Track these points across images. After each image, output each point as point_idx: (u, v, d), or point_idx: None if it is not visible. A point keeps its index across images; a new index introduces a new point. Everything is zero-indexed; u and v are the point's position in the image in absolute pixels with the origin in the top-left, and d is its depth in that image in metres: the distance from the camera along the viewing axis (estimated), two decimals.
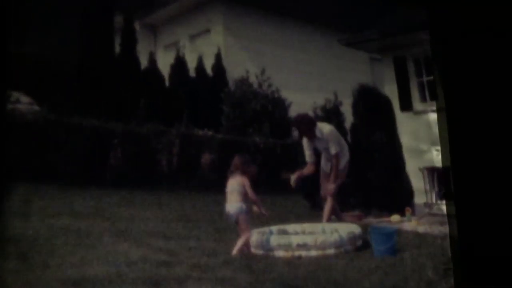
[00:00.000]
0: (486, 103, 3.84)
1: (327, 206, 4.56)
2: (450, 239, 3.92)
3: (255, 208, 3.95)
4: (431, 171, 5.19)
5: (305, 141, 4.64)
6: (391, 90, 5.93)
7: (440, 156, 4.44)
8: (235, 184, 3.93)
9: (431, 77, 5.74)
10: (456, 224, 3.88)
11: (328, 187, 4.53)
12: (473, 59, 3.91)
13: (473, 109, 3.88)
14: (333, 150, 4.56)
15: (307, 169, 4.65)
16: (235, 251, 3.84)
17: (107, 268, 3.39)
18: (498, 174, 3.76)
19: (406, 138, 5.42)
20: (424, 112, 5.63)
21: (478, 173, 3.79)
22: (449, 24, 4.03)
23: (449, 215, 3.99)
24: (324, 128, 4.64)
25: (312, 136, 4.58)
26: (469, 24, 3.94)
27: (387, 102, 5.71)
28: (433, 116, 5.32)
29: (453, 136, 3.97)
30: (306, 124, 4.63)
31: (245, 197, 3.91)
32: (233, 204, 3.88)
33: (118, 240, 3.67)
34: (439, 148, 4.24)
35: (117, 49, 5.44)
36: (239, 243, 3.86)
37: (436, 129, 4.77)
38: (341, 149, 4.62)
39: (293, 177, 4.55)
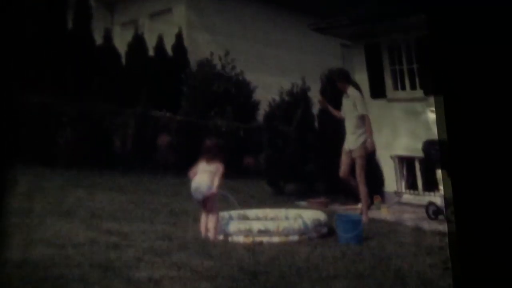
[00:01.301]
0: (482, 96, 3.91)
1: (362, 191, 4.60)
2: (449, 238, 3.96)
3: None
4: (401, 159, 5.24)
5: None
6: (361, 77, 5.96)
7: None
8: (211, 166, 3.97)
9: (403, 65, 5.84)
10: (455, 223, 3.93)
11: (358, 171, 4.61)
12: (471, 52, 3.98)
13: (470, 100, 3.95)
14: (360, 110, 4.68)
15: (339, 114, 4.83)
16: (212, 235, 3.83)
17: (51, 250, 3.31)
18: (497, 171, 3.81)
19: (378, 125, 5.44)
20: (398, 100, 5.68)
21: (477, 170, 3.84)
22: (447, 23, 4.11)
23: (447, 217, 4.04)
24: (353, 90, 4.81)
25: (343, 90, 4.79)
26: (468, 22, 4.01)
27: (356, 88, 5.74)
28: (410, 105, 5.40)
29: (450, 130, 4.04)
30: (337, 74, 4.93)
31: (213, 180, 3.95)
32: (203, 183, 3.89)
33: (64, 221, 3.58)
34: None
35: (70, 24, 5.31)
36: (211, 225, 3.86)
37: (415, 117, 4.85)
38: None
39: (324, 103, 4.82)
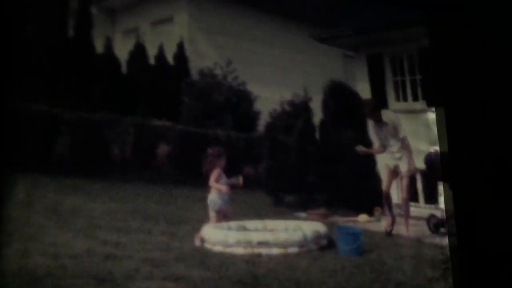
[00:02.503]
0: (484, 103, 3.93)
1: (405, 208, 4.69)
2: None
3: None
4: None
5: (371, 128, 4.86)
6: (363, 88, 5.97)
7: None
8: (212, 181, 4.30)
9: (405, 77, 5.84)
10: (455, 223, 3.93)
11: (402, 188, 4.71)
12: (472, 59, 4.01)
13: (471, 109, 3.97)
14: (403, 132, 4.71)
15: (377, 149, 4.85)
16: None
17: (47, 261, 3.31)
18: (497, 172, 3.82)
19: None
20: (400, 111, 5.68)
21: (477, 173, 3.85)
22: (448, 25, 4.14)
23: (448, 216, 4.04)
24: (389, 113, 4.88)
25: (377, 119, 4.78)
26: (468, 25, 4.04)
27: (358, 100, 5.74)
28: (413, 116, 5.41)
29: (450, 135, 4.06)
30: (369, 106, 4.97)
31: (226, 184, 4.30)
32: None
33: (61, 231, 3.58)
34: None
35: (71, 32, 5.33)
36: None
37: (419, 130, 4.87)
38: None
39: (363, 149, 4.83)
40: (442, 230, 4.49)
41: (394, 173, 4.73)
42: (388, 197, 4.71)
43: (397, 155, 4.72)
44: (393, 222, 4.62)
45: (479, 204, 3.84)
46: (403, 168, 4.70)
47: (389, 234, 4.56)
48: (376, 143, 4.83)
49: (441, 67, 4.28)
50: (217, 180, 4.30)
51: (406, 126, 4.81)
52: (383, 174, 4.85)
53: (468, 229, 3.85)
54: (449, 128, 4.11)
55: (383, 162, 4.98)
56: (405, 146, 4.70)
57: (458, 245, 3.87)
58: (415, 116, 5.05)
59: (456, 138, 4.05)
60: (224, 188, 4.27)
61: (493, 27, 4.01)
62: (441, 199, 4.69)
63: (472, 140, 3.95)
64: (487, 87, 3.97)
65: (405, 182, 4.69)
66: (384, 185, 4.76)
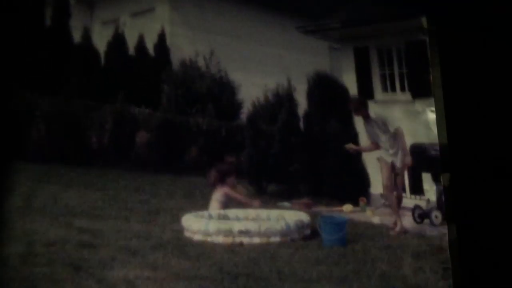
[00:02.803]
0: (483, 100, 3.94)
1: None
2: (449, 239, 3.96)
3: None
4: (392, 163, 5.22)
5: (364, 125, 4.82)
6: (349, 80, 5.96)
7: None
8: (217, 195, 4.37)
9: (394, 68, 5.84)
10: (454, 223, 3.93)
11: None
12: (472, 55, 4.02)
13: (470, 104, 3.98)
14: (393, 126, 4.67)
15: (369, 146, 4.80)
16: None
17: (21, 248, 3.25)
18: (497, 172, 3.82)
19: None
20: (386, 102, 5.68)
21: (477, 171, 3.85)
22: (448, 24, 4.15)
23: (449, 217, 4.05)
24: (376, 108, 4.89)
25: (364, 116, 4.76)
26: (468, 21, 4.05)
27: (343, 91, 5.73)
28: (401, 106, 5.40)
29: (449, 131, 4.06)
30: (356, 103, 4.97)
31: (225, 205, 4.35)
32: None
33: (34, 218, 3.51)
34: None
35: (48, 22, 5.25)
36: None
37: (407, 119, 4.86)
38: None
39: (353, 147, 4.84)
40: (426, 221, 4.50)
41: (393, 168, 4.67)
42: (391, 194, 4.61)
43: (391, 151, 4.67)
44: (397, 221, 4.51)
45: (478, 198, 3.85)
46: (398, 164, 4.65)
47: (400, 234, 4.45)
48: (368, 140, 4.80)
49: (440, 60, 4.29)
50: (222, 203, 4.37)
51: (406, 126, 4.79)
52: (382, 169, 4.76)
53: (468, 228, 3.86)
54: (448, 120, 4.12)
55: (375, 157, 4.98)
56: (398, 140, 4.65)
57: (458, 240, 3.87)
58: (415, 116, 5.02)
59: (455, 131, 4.06)
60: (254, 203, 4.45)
61: (492, 21, 4.03)
62: (426, 190, 4.72)
63: (471, 133, 3.96)
64: (486, 80, 3.99)
65: (399, 179, 4.66)
66: (385, 182, 4.67)
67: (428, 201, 4.60)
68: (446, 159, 4.10)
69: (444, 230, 4.12)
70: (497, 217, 3.76)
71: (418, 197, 4.76)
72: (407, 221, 4.47)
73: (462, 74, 4.07)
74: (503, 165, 3.86)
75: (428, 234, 4.25)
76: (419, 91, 5.19)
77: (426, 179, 4.74)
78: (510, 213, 3.76)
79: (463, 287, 3.73)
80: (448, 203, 4.08)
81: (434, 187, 4.62)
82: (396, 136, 4.65)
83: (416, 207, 4.57)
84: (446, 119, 4.15)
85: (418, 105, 4.78)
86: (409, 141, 4.73)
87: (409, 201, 4.83)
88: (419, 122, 4.79)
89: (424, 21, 4.86)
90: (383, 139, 4.69)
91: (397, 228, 4.40)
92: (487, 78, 3.98)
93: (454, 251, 3.86)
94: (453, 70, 4.16)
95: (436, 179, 4.57)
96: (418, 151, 4.65)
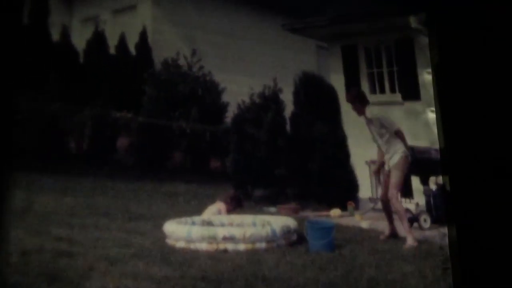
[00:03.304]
0: (481, 101, 3.95)
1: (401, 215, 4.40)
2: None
3: None
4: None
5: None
6: (337, 80, 5.95)
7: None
8: (214, 208, 4.43)
9: (383, 68, 5.84)
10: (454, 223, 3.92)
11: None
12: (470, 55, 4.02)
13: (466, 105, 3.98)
14: (391, 127, 4.55)
15: (379, 156, 4.63)
16: None
17: None
18: (496, 172, 3.82)
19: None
20: (374, 103, 5.67)
21: (476, 172, 3.85)
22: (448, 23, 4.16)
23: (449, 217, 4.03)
24: (375, 109, 4.72)
25: (360, 113, 4.65)
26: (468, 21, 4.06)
27: (331, 92, 5.72)
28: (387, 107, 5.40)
29: (447, 133, 4.07)
30: (351, 95, 4.89)
31: None
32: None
33: (11, 227, 3.46)
34: None
35: (26, 19, 5.20)
36: None
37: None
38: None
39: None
40: (416, 225, 4.49)
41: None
42: (388, 205, 4.49)
43: (387, 155, 4.56)
44: (391, 233, 4.43)
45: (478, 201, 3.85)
46: (396, 165, 4.52)
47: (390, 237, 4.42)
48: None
49: (439, 62, 4.30)
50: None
51: (406, 126, 4.78)
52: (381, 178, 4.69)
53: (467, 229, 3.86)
54: (445, 123, 4.12)
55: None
56: (396, 140, 4.54)
57: (458, 242, 3.87)
58: (415, 116, 5.02)
59: (452, 133, 4.07)
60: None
61: (490, 22, 4.04)
62: (415, 194, 4.71)
63: (469, 135, 3.96)
64: (484, 82, 4.00)
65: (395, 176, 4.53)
66: (382, 193, 4.58)
67: (417, 204, 4.60)
68: (445, 161, 4.09)
69: (433, 233, 4.13)
70: (496, 218, 3.77)
71: (408, 200, 4.76)
72: (397, 225, 4.46)
73: (461, 74, 4.07)
74: (501, 165, 3.86)
75: (417, 238, 4.24)
76: (409, 93, 5.20)
77: (415, 182, 4.74)
78: (509, 214, 3.77)
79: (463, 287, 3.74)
80: (447, 204, 4.07)
81: (423, 191, 4.64)
82: (390, 140, 4.57)
83: (406, 211, 4.56)
84: (443, 120, 4.14)
85: (433, 114, 4.70)
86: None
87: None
88: (412, 124, 4.80)
89: (412, 19, 4.87)
90: (380, 142, 4.59)
91: (409, 241, 4.25)
92: (485, 79, 3.98)
93: (454, 252, 3.86)
94: (450, 70, 4.16)
95: (424, 182, 4.57)
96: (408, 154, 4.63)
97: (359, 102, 4.70)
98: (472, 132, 3.93)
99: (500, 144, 3.88)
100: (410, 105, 5.30)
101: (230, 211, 4.43)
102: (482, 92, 3.96)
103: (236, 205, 4.47)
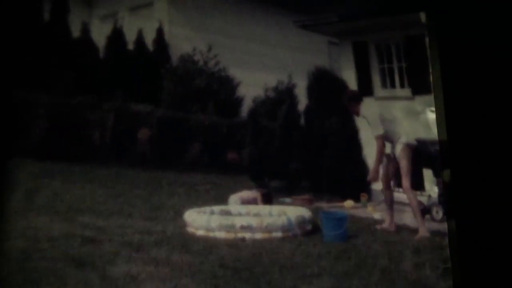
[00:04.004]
0: (483, 96, 3.97)
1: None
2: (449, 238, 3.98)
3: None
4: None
5: None
6: (348, 75, 6.00)
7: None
8: (250, 193, 4.58)
9: (393, 64, 5.89)
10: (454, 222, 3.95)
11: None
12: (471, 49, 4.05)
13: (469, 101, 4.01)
14: (375, 132, 4.60)
15: (379, 148, 4.63)
16: None
17: (25, 243, 3.30)
18: (497, 171, 3.85)
19: (366, 123, 5.48)
20: (385, 98, 5.73)
21: (478, 170, 3.88)
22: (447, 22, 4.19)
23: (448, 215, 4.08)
24: (369, 109, 4.74)
25: (355, 112, 4.74)
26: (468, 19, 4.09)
27: (343, 87, 5.77)
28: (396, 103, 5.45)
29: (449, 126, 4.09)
30: (348, 99, 4.83)
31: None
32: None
33: (38, 214, 3.56)
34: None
35: (47, 17, 5.29)
36: None
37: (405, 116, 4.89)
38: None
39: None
40: (428, 216, 4.54)
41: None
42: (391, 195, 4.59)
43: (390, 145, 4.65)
44: (390, 223, 4.49)
45: (476, 191, 3.88)
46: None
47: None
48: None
49: (440, 57, 4.32)
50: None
51: (406, 125, 4.83)
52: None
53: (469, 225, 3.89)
54: (448, 117, 4.15)
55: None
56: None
57: (458, 236, 3.90)
58: (415, 116, 5.07)
59: (454, 127, 4.09)
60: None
61: (491, 17, 4.06)
62: (428, 186, 4.76)
63: (471, 127, 3.99)
64: (486, 76, 4.02)
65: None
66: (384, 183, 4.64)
67: (429, 197, 4.65)
68: (446, 156, 4.13)
69: (445, 225, 4.17)
70: (497, 216, 3.79)
71: (419, 193, 4.81)
72: (407, 217, 4.51)
73: (462, 70, 4.11)
74: (503, 161, 3.89)
75: (430, 229, 4.28)
76: (419, 88, 5.24)
77: (427, 175, 4.79)
78: (509, 213, 3.79)
79: (463, 287, 3.76)
80: (449, 199, 4.11)
81: (435, 183, 4.67)
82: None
83: (419, 202, 4.61)
84: (446, 115, 4.18)
85: (418, 102, 4.79)
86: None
87: None
88: (418, 119, 4.84)
89: (422, 15, 4.90)
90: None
91: (421, 232, 4.28)
92: (487, 74, 4.01)
93: (454, 248, 3.89)
94: (452, 66, 4.19)
95: (437, 175, 4.61)
96: (419, 147, 4.68)
97: (355, 102, 4.75)
98: (474, 126, 3.96)
99: (501, 139, 3.90)
100: (409, 103, 5.37)
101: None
102: (483, 86, 3.99)
103: (266, 201, 4.56)
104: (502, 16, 4.03)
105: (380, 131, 4.57)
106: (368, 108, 5.15)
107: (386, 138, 4.62)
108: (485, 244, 3.76)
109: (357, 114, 4.73)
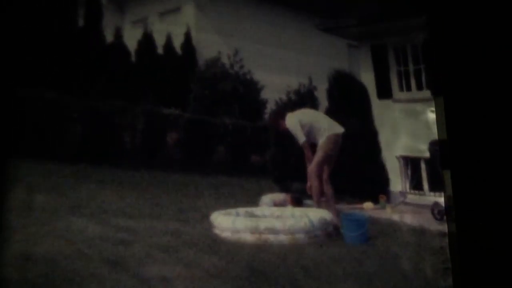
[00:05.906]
0: (484, 95, 3.92)
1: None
2: (449, 237, 3.96)
3: None
4: (406, 159, 5.22)
5: None
6: (367, 78, 5.95)
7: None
8: (281, 196, 4.61)
9: (408, 66, 5.83)
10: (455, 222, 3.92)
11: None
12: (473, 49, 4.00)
13: (471, 100, 3.96)
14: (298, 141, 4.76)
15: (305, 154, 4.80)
16: None
17: (62, 244, 3.31)
18: (498, 170, 3.81)
19: (384, 126, 5.44)
20: (404, 101, 5.68)
21: (478, 170, 3.84)
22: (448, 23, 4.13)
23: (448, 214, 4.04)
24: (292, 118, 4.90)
25: (282, 127, 4.87)
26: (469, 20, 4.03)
27: (363, 89, 5.73)
28: (413, 106, 5.39)
29: (451, 130, 4.05)
30: (274, 117, 5.03)
31: None
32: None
33: (74, 216, 3.58)
34: None
35: (81, 22, 5.31)
36: None
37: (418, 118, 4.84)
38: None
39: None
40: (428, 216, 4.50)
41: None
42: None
43: None
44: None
45: (479, 191, 3.83)
46: None
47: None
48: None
49: (440, 56, 4.27)
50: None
51: (406, 126, 4.79)
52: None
53: (468, 217, 3.85)
54: (448, 116, 4.10)
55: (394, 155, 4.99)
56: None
57: (458, 236, 3.87)
58: (415, 116, 5.02)
59: (456, 126, 4.05)
60: None
61: (491, 18, 4.00)
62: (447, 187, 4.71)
63: (472, 128, 3.94)
64: (486, 76, 3.96)
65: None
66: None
67: (448, 197, 4.59)
68: (446, 156, 4.09)
69: None
70: (497, 217, 3.75)
71: (437, 194, 4.76)
72: (427, 218, 4.48)
73: (462, 71, 4.05)
74: (503, 161, 3.84)
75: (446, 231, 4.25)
76: (438, 89, 5.17)
77: (446, 176, 4.74)
78: (509, 213, 3.75)
79: (463, 286, 3.74)
80: (449, 199, 4.07)
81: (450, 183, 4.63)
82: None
83: (436, 204, 4.56)
84: (446, 116, 4.13)
85: (433, 114, 4.71)
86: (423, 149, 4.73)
87: (428, 198, 4.84)
88: (411, 124, 4.82)
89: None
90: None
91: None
92: (487, 74, 3.95)
93: (454, 249, 3.86)
94: (453, 66, 4.14)
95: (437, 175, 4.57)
96: (437, 148, 4.63)
97: (281, 118, 4.94)
98: (474, 127, 3.91)
99: (502, 140, 3.85)
100: (410, 105, 5.34)
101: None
102: (483, 86, 3.93)
103: (295, 205, 4.54)
104: (502, 16, 3.96)
105: (302, 139, 4.74)
106: (387, 111, 5.12)
107: (313, 140, 4.80)
108: (485, 244, 3.73)
109: (282, 129, 4.87)
